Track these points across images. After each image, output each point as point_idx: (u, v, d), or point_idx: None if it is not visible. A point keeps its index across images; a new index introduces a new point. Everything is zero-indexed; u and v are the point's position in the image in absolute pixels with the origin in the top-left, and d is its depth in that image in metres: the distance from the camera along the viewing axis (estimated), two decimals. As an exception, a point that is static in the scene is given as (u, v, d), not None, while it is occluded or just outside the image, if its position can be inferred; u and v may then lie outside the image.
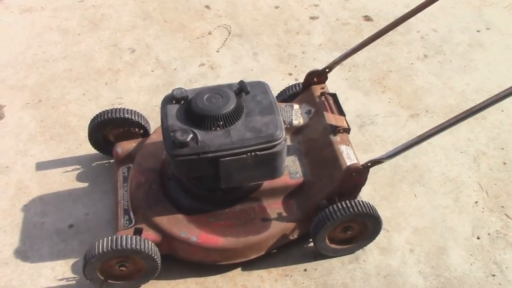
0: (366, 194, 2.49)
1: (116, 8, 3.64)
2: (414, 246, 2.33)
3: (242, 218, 2.22)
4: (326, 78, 2.52)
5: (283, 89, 2.67)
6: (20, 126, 2.86)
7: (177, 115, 2.08)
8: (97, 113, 2.51)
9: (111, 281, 2.13)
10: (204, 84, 3.08)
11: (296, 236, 2.23)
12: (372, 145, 2.74)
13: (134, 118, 2.50)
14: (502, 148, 2.73)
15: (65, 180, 2.60)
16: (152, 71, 3.20)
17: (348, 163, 2.15)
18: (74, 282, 2.21)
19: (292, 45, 3.35)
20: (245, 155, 2.01)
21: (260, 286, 2.20)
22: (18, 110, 2.95)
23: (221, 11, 3.63)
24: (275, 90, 2.68)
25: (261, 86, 2.20)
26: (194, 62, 3.24)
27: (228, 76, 3.15)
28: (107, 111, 2.49)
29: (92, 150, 2.63)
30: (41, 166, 2.67)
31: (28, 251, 2.32)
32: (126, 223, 2.24)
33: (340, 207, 2.09)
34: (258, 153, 2.02)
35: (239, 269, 2.25)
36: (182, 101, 2.13)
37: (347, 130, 2.30)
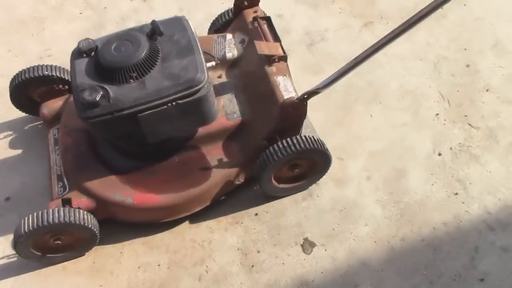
0: (317, 122, 2.28)
1: None
2: (371, 172, 2.18)
3: (180, 170, 2.05)
4: (258, 0, 2.24)
5: (216, 18, 2.40)
6: None
7: (87, 71, 1.85)
8: (14, 75, 2.28)
9: (49, 255, 2.02)
10: (138, 21, 2.80)
11: (242, 180, 2.08)
12: (323, 65, 2.51)
13: (55, 74, 2.26)
14: (465, 49, 2.49)
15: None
16: (80, 13, 2.90)
17: (286, 96, 1.94)
18: (16, 258, 2.08)
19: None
20: (165, 106, 1.80)
21: (210, 238, 2.08)
22: None
23: None
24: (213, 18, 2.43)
25: (178, 23, 1.94)
26: (123, -3, 2.94)
27: (163, 8, 2.85)
28: (24, 70, 2.25)
29: (23, 113, 2.43)
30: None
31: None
32: (60, 191, 2.07)
33: (281, 146, 1.91)
34: (180, 101, 1.81)
35: (187, 222, 2.13)
36: (92, 53, 1.89)
37: (283, 58, 2.06)
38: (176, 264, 2.03)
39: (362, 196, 2.12)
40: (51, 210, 1.86)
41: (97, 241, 2.02)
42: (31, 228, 1.84)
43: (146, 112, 1.79)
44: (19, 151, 2.40)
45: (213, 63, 2.09)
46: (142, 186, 2.01)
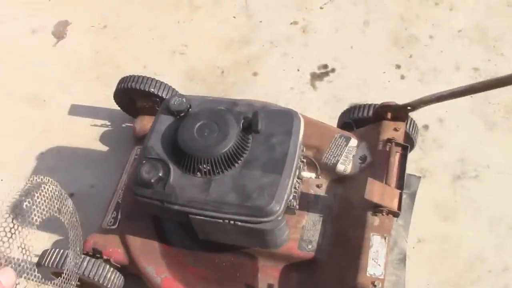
0: (414, 282, 1.81)
1: None
2: None
3: (224, 274, 1.74)
4: (406, 116, 1.74)
5: (351, 106, 1.94)
6: (75, 54, 2.58)
7: (164, 135, 1.59)
8: (124, 77, 2.09)
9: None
10: (284, 52, 2.43)
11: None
12: (458, 213, 1.95)
13: (161, 95, 2.04)
14: None
15: (89, 136, 2.32)
16: (234, 17, 2.60)
17: (369, 271, 1.49)
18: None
19: (421, 21, 2.45)
20: (221, 221, 1.48)
21: None
22: (81, 33, 2.65)
23: None
24: (368, 86, 2.03)
25: (287, 122, 1.57)
26: (286, 16, 2.56)
27: (317, 49, 2.44)
28: (133, 78, 2.05)
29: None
30: (74, 110, 2.40)
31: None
32: (110, 222, 1.91)
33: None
34: (239, 224, 1.47)
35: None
36: (180, 115, 1.61)
37: (394, 214, 1.58)
38: None
39: None
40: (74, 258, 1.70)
41: (117, 297, 1.85)
42: (49, 265, 1.71)
43: (198, 217, 1.49)
44: (105, 148, 2.28)
45: (313, 175, 1.68)
46: (179, 271, 1.74)
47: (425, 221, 1.93)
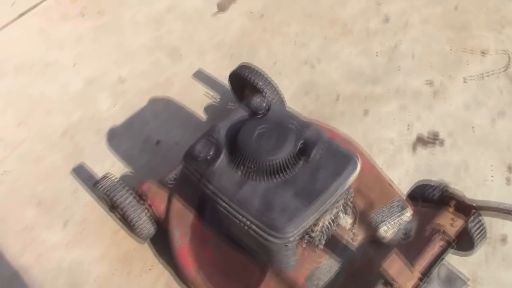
0: None
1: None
2: None
3: (234, 269, 1.82)
4: (469, 213, 1.63)
5: (425, 184, 1.85)
6: (225, 28, 2.80)
7: (233, 125, 1.69)
8: (244, 63, 2.24)
9: (116, 214, 2.11)
10: (405, 105, 2.38)
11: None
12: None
13: (265, 91, 2.15)
14: None
15: (197, 101, 2.51)
16: (376, 54, 2.60)
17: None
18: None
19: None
20: (237, 220, 1.55)
21: None
22: (240, 13, 2.87)
23: (529, 35, 2.59)
24: (468, 173, 2.09)
25: (342, 163, 1.57)
26: (426, 74, 2.49)
27: (438, 116, 2.34)
28: (250, 68, 2.20)
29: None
30: (199, 75, 2.62)
31: (117, 134, 2.43)
32: (171, 180, 2.06)
33: None
34: (250, 231, 1.53)
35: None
36: (256, 115, 1.70)
37: (401, 295, 1.51)
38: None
39: None
40: (122, 191, 1.90)
41: (145, 241, 2.03)
42: (101, 188, 1.93)
43: (221, 207, 1.58)
44: (203, 117, 2.47)
45: (349, 223, 1.66)
46: (198, 248, 1.86)
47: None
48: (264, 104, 1.69)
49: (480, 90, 2.41)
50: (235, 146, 1.59)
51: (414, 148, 2.25)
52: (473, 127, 2.29)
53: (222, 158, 1.61)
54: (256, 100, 1.70)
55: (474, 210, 1.58)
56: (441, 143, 2.25)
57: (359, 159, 1.58)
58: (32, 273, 2.07)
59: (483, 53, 2.54)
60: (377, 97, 2.43)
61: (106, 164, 2.33)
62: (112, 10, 2.99)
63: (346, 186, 1.56)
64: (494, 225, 1.97)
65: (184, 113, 2.48)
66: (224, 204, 1.56)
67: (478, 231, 1.73)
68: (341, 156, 1.59)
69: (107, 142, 2.42)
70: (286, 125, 1.62)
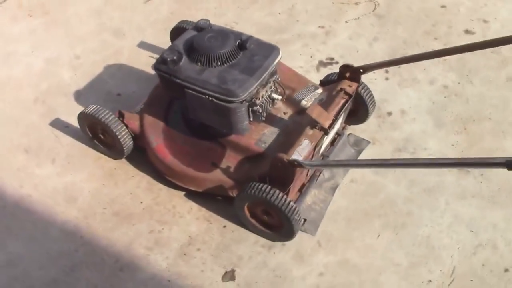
0: (337, 204, 2.37)
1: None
2: (327, 274, 2.19)
3: (200, 153, 2.40)
4: (359, 78, 2.37)
5: (329, 73, 2.59)
6: (156, 10, 3.44)
7: (187, 40, 2.32)
8: (182, 20, 2.88)
9: (96, 141, 2.62)
10: (306, 43, 3.14)
11: (234, 195, 2.32)
12: (388, 171, 2.50)
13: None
14: None
15: (144, 62, 3.09)
16: (279, 14, 3.37)
17: (292, 156, 2.10)
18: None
19: (418, 47, 3.08)
20: (204, 96, 2.17)
21: (184, 215, 2.42)
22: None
23: (387, -11, 3.48)
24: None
25: (268, 50, 2.26)
26: (317, 22, 3.28)
27: (332, 47, 3.12)
28: (184, 21, 2.84)
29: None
30: (142, 44, 3.22)
31: (82, 94, 2.95)
32: (137, 110, 2.63)
33: (255, 186, 2.11)
34: (214, 100, 2.15)
35: (182, 192, 2.49)
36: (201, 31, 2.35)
37: (323, 130, 2.20)
38: (149, 210, 2.44)
39: (302, 280, 2.17)
40: (104, 110, 2.44)
41: (124, 155, 2.55)
42: (87, 112, 2.46)
43: (190, 91, 2.19)
44: (152, 72, 3.02)
45: (280, 97, 2.34)
46: (169, 143, 2.43)
47: (362, 171, 2.49)
48: (208, 23, 2.35)
49: (358, 26, 3.24)
50: (193, 48, 2.23)
51: (317, 69, 3.00)
52: (357, 51, 3.09)
53: (184, 58, 2.23)
54: (202, 20, 2.36)
55: (361, 71, 2.31)
56: (336, 63, 3.02)
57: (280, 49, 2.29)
58: (33, 198, 2.52)
59: (356, 4, 3.39)
60: (285, 41, 3.17)
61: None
62: (56, 9, 3.52)
63: (274, 64, 2.23)
64: (381, 105, 2.73)
65: (135, 72, 3.06)
66: (191, 86, 2.18)
67: (367, 92, 2.47)
68: (267, 46, 2.28)
69: (75, 101, 2.93)
70: (227, 31, 2.29)
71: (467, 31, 3.15)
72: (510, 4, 3.33)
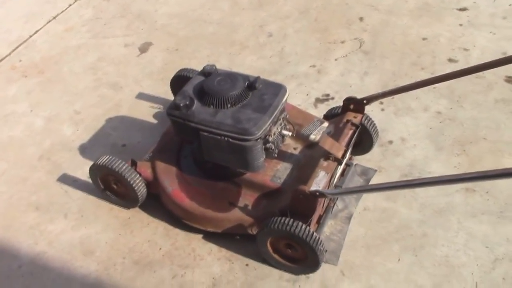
0: (354, 233, 2.42)
1: (285, -3, 4.02)
2: (356, 302, 2.22)
3: (216, 193, 2.44)
4: (363, 109, 2.47)
5: (332, 107, 2.70)
6: (150, 63, 3.54)
7: (196, 85, 2.40)
8: (182, 68, 2.98)
9: (108, 192, 2.64)
10: (301, 82, 3.26)
11: (254, 232, 2.36)
12: (398, 196, 2.58)
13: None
14: (543, 268, 2.27)
15: (145, 112, 3.18)
16: (270, 57, 3.50)
17: (312, 188, 2.16)
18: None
19: (408, 78, 3.23)
20: (219, 137, 2.23)
21: (204, 257, 2.43)
22: (158, 51, 3.64)
23: (369, 26, 3.67)
24: None
25: (276, 89, 2.35)
26: (309, 62, 3.42)
27: (326, 84, 3.25)
28: (184, 69, 2.93)
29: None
30: (141, 96, 3.29)
31: (87, 147, 2.98)
32: (146, 158, 2.68)
33: (277, 220, 2.15)
34: (230, 140, 2.21)
35: (200, 235, 2.50)
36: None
37: (337, 161, 2.27)
38: (169, 255, 2.44)
39: (331, 313, 2.19)
40: (119, 161, 2.47)
41: (138, 204, 2.57)
42: (99, 164, 2.49)
43: (205, 133, 2.25)
44: (154, 122, 3.11)
45: (290, 133, 2.42)
46: (185, 187, 2.47)
47: (373, 198, 2.57)
48: (214, 68, 2.44)
49: (347, 63, 3.39)
50: (204, 92, 2.30)
51: (315, 106, 3.11)
52: (350, 85, 3.23)
53: (196, 102, 2.30)
54: (208, 66, 2.45)
55: (365, 102, 2.43)
56: (332, 98, 3.14)
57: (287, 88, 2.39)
58: (49, 254, 2.50)
59: (342, 42, 3.56)
60: (280, 82, 3.28)
61: (85, 169, 2.85)
62: (50, 68, 3.59)
63: (283, 102, 2.33)
64: (381, 134, 2.84)
65: (138, 122, 3.12)
66: (206, 129, 2.24)
67: (370, 122, 2.57)
68: (275, 85, 2.37)
69: (80, 155, 2.96)
70: (235, 74, 2.38)
71: (450, 60, 3.33)
72: (484, 32, 3.54)
